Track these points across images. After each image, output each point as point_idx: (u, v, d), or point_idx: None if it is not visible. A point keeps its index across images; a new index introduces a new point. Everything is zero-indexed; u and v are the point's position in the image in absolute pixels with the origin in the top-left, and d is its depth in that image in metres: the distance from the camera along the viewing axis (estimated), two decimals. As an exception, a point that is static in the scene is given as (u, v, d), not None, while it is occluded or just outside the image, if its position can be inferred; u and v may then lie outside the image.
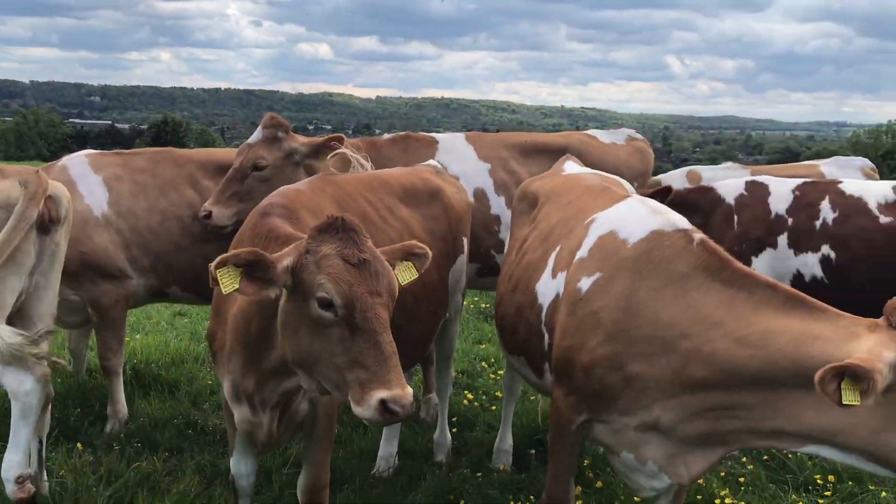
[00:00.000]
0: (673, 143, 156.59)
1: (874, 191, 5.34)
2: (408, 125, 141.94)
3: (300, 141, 5.00)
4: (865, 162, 7.39)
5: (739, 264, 3.08)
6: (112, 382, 5.20)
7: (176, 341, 6.93)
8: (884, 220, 5.13)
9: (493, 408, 5.58)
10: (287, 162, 4.91)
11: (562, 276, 3.47)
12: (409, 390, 2.70)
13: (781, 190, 5.53)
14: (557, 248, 3.63)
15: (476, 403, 5.71)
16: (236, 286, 2.78)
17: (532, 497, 4.34)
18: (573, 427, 3.30)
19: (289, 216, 3.48)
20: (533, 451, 4.91)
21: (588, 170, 4.58)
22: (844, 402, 2.45)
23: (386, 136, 5.88)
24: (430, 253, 3.20)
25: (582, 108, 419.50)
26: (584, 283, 3.27)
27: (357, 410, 2.67)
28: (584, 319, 3.21)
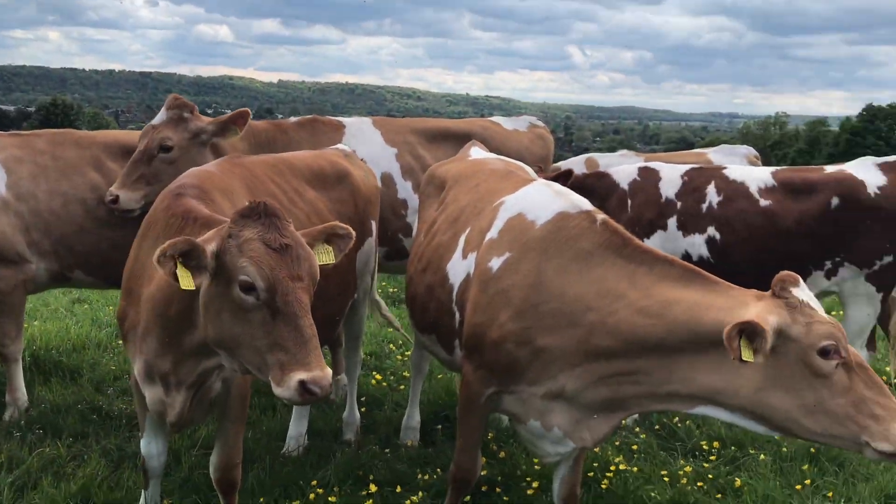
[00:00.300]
0: (574, 132, 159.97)
1: (755, 176, 5.72)
2: (311, 110, 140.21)
3: (205, 121, 4.99)
4: (750, 150, 7.85)
5: (639, 242, 3.31)
6: (10, 369, 5.08)
7: (77, 328, 6.79)
8: (763, 203, 5.51)
9: (402, 387, 5.72)
10: (194, 142, 4.89)
11: (472, 257, 3.62)
12: (329, 371, 2.80)
13: (671, 175, 5.85)
14: (467, 230, 3.78)
15: (384, 384, 5.83)
16: (191, 282, 2.82)
17: (439, 470, 4.49)
18: (482, 400, 3.47)
19: (202, 197, 3.50)
20: (439, 427, 5.07)
21: (493, 155, 4.76)
22: (743, 359, 2.70)
23: (293, 119, 5.90)
24: (353, 234, 3.28)
25: (487, 96, 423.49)
26: (495, 263, 3.43)
27: (277, 391, 2.76)
28: (494, 297, 3.37)
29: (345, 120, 5.88)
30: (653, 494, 4.22)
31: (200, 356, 3.22)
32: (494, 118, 6.44)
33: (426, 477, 4.37)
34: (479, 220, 3.74)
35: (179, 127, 4.86)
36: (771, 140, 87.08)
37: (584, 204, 3.51)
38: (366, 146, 5.62)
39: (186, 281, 2.84)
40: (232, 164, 4.10)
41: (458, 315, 3.69)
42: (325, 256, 3.19)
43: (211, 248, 2.86)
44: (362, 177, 4.71)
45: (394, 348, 6.73)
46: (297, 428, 4.81)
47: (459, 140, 5.93)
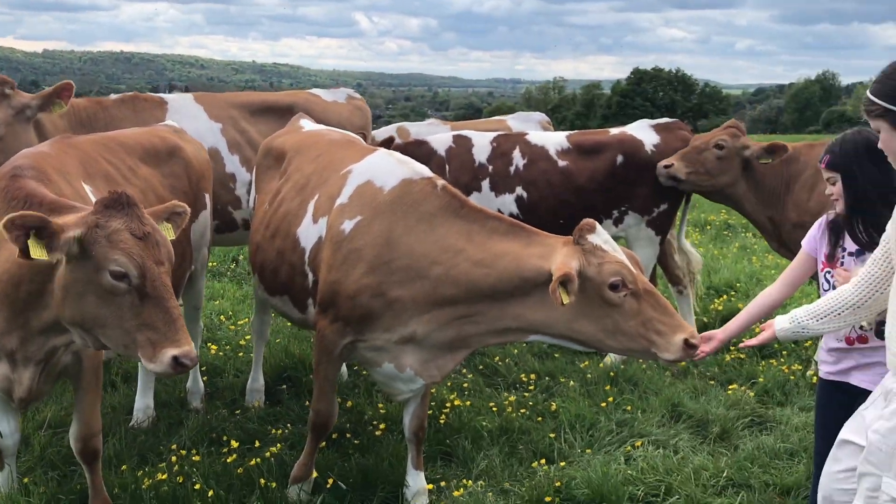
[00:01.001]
0: (367, 99, 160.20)
1: (553, 140, 6.45)
2: (83, 82, 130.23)
3: (26, 96, 4.89)
4: (543, 116, 8.63)
5: (473, 203, 3.75)
6: None
7: None
8: (561, 163, 6.24)
9: (241, 354, 5.92)
10: (19, 118, 4.77)
11: (323, 221, 3.91)
12: (193, 345, 3.06)
13: (482, 142, 6.46)
14: (315, 197, 4.06)
15: (221, 353, 5.99)
16: (44, 253, 2.91)
17: (289, 425, 4.80)
18: (338, 350, 3.81)
19: (41, 178, 3.52)
20: (284, 387, 5.37)
21: (325, 126, 5.05)
22: (564, 303, 3.23)
23: (113, 95, 5.83)
24: (188, 210, 3.49)
25: (274, 63, 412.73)
26: (347, 225, 3.76)
27: (150, 367, 2.97)
28: (348, 255, 3.70)
29: (166, 96, 5.89)
30: (484, 423, 4.78)
31: (50, 334, 3.31)
32: (314, 90, 6.67)
33: (278, 432, 4.66)
34: (326, 187, 4.04)
35: (3, 104, 4.73)
36: (551, 104, 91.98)
37: (425, 171, 3.92)
38: (190, 122, 5.67)
39: (38, 252, 2.94)
40: (65, 144, 4.10)
41: (311, 275, 3.99)
42: (167, 234, 3.39)
43: (74, 233, 2.96)
44: (194, 151, 4.83)
45: (224, 319, 6.86)
46: (143, 400, 4.91)
47: (281, 113, 6.15)
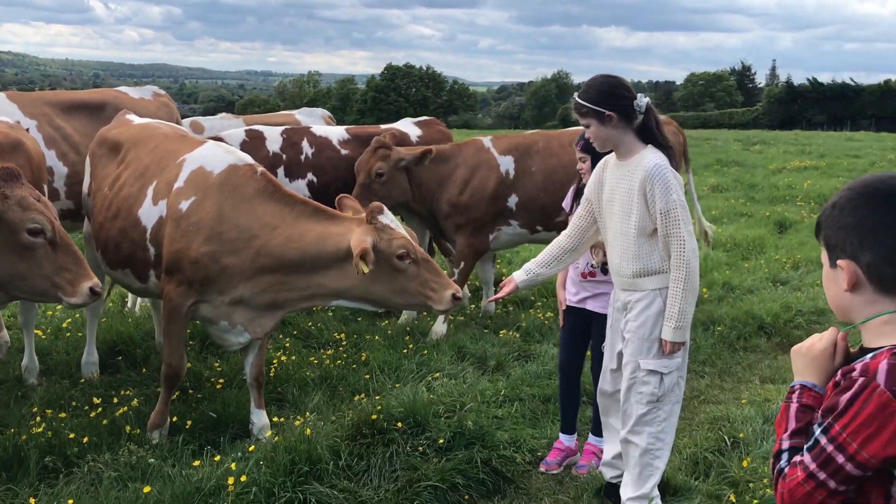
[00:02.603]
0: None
1: (334, 132, 7.55)
2: None
3: None
4: (325, 112, 9.58)
5: (285, 189, 4.58)
6: None
7: None
8: (343, 152, 7.30)
9: (68, 335, 6.31)
10: None
11: (163, 203, 4.58)
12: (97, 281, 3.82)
13: (273, 134, 7.37)
14: (154, 183, 4.70)
15: (44, 336, 6.33)
16: None
17: (130, 389, 5.38)
18: (184, 310, 4.50)
19: None
20: (120, 358, 5.90)
21: (156, 121, 5.65)
22: (364, 272, 4.06)
23: None
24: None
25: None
26: (184, 205, 4.47)
27: (72, 300, 3.63)
28: (188, 229, 4.40)
29: (-21, 95, 6.13)
30: (307, 373, 5.67)
31: None
32: (122, 88, 7.12)
33: (126, 392, 5.25)
34: (164, 174, 4.69)
35: None
36: (306, 98, 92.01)
37: (248, 159, 4.71)
38: (9, 118, 5.99)
39: None
40: None
41: (152, 250, 4.64)
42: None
43: None
44: (32, 145, 5.23)
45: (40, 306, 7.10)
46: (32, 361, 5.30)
47: (92, 109, 6.60)
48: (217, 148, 4.79)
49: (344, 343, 6.36)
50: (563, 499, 4.39)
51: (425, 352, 6.15)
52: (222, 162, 4.59)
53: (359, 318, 7.02)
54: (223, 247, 4.38)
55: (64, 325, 6.51)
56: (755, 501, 4.04)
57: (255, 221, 4.38)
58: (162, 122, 5.65)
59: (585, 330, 4.72)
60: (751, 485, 4.20)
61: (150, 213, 4.69)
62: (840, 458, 1.70)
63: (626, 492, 4.02)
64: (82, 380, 5.52)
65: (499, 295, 4.21)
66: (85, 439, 4.45)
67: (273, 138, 7.43)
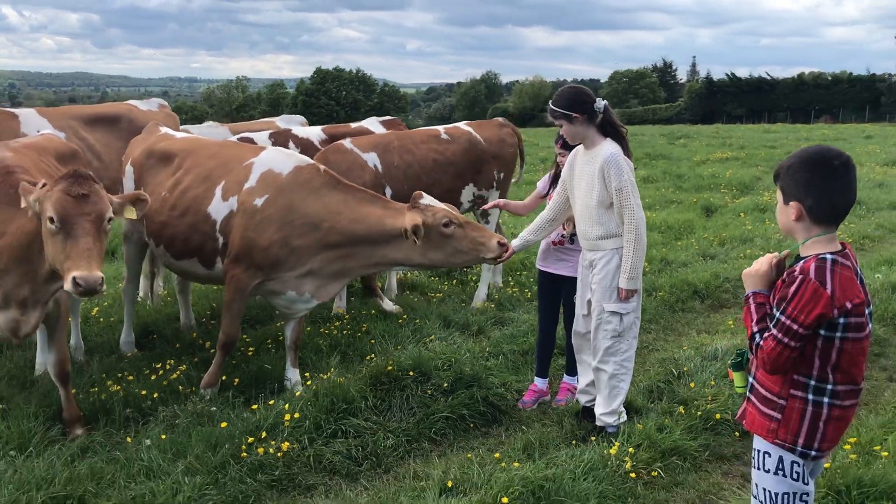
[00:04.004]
0: (23, 101, 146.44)
1: (313, 133, 8.46)
2: None
3: None
4: (302, 118, 10.50)
5: (345, 180, 5.51)
6: None
7: None
8: (322, 148, 8.27)
9: (101, 320, 7.13)
10: None
11: (233, 199, 5.44)
12: (97, 274, 4.22)
13: (262, 139, 8.23)
14: (222, 183, 5.54)
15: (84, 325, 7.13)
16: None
17: (170, 360, 6.25)
18: (249, 289, 5.41)
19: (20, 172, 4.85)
20: (154, 336, 6.77)
21: (198, 133, 6.55)
22: (417, 243, 5.13)
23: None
24: (149, 200, 4.90)
25: None
26: (258, 201, 5.36)
27: (65, 287, 4.20)
28: (261, 221, 5.28)
29: (16, 111, 6.91)
30: (320, 342, 6.62)
31: (50, 281, 4.64)
32: (131, 102, 7.94)
33: (171, 361, 6.12)
34: (231, 175, 5.55)
35: None
36: (236, 103, 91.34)
37: (308, 160, 5.63)
38: (42, 130, 6.80)
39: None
40: (22, 149, 5.30)
41: (221, 239, 5.52)
42: (129, 213, 4.79)
43: (34, 196, 4.34)
44: (83, 154, 6.09)
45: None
46: (43, 356, 6.08)
47: (110, 122, 7.46)
48: (280, 153, 5.70)
49: (346, 317, 7.33)
50: (549, 423, 5.48)
51: (417, 321, 7.18)
52: (288, 164, 5.52)
53: (352, 298, 8.00)
54: (293, 232, 5.30)
55: (93, 312, 7.31)
56: (699, 413, 5.20)
57: (322, 209, 5.32)
58: (204, 136, 6.53)
59: (556, 290, 5.83)
60: (695, 402, 5.36)
61: (219, 208, 5.55)
62: (795, 326, 2.80)
63: (599, 409, 5.14)
64: (128, 354, 6.37)
65: (503, 258, 5.31)
66: (155, 395, 5.35)
67: (262, 140, 8.33)
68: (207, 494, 4.30)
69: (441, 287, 8.63)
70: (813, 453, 2.91)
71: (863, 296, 2.83)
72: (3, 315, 4.73)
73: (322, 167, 5.55)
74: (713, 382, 5.66)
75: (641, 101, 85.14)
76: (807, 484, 2.95)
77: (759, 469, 3.01)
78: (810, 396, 2.87)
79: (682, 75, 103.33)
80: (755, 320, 2.95)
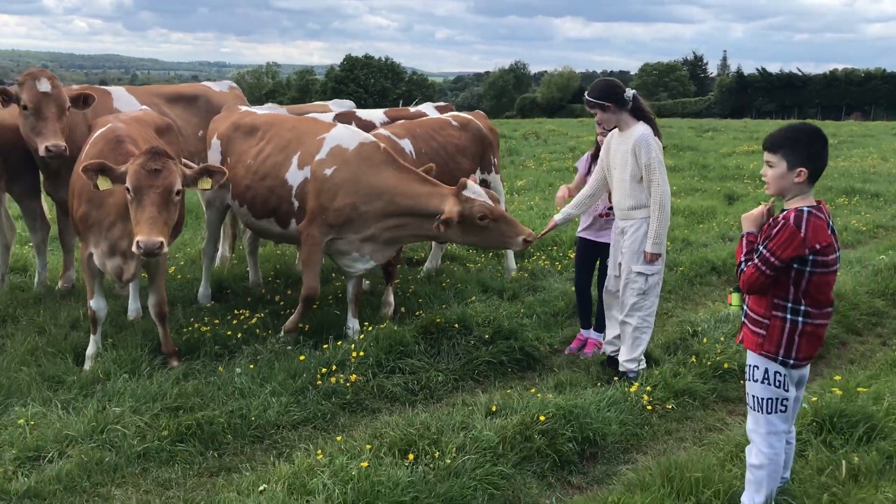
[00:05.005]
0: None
1: (376, 115, 9.18)
2: None
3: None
4: (351, 102, 11.28)
5: (399, 160, 6.32)
6: None
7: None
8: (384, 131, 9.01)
9: (178, 277, 8.02)
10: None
11: (307, 168, 6.25)
12: (157, 238, 4.98)
13: (328, 119, 8.99)
14: (298, 153, 6.35)
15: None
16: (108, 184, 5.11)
17: (244, 310, 7.10)
18: (323, 244, 6.21)
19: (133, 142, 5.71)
20: (228, 291, 7.64)
21: (276, 110, 7.41)
22: (444, 231, 6.01)
23: (74, 86, 7.54)
24: (225, 172, 5.74)
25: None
26: (328, 171, 6.16)
27: (132, 247, 5.05)
28: (331, 188, 6.09)
29: (108, 88, 7.77)
30: (373, 300, 7.45)
31: None
32: (206, 83, 8.80)
33: (245, 311, 6.98)
34: (305, 147, 6.35)
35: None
36: (265, 89, 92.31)
37: (371, 137, 6.43)
38: (130, 107, 7.64)
39: (104, 184, 5.17)
40: (130, 122, 6.18)
41: (296, 203, 6.34)
42: (205, 184, 5.59)
43: (119, 170, 5.16)
44: (175, 128, 6.95)
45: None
46: (134, 304, 6.97)
47: (188, 100, 8.30)
48: (348, 130, 6.51)
49: (397, 280, 8.16)
50: (577, 370, 6.27)
51: (458, 286, 7.98)
52: (354, 140, 6.32)
53: (399, 266, 8.82)
54: (359, 199, 6.10)
55: (170, 270, 8.20)
56: (709, 363, 5.97)
57: (381, 182, 6.10)
58: (282, 111, 7.39)
59: (593, 256, 6.62)
60: (706, 354, 6.13)
61: (295, 175, 6.36)
62: (772, 259, 3.58)
63: (622, 357, 5.94)
64: (206, 305, 7.24)
65: (543, 231, 6.17)
66: (239, 335, 6.22)
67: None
68: (292, 411, 5.16)
69: (479, 258, 9.42)
70: (791, 362, 3.69)
71: (830, 240, 3.59)
72: (110, 262, 5.59)
73: (382, 145, 6.33)
74: (723, 339, 6.42)
75: (671, 95, 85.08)
76: (787, 391, 3.73)
77: (750, 380, 3.80)
78: (788, 316, 3.66)
79: (712, 69, 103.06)
80: (744, 253, 3.72)
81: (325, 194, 6.18)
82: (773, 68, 76.01)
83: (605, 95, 5.72)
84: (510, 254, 8.78)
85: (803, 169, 3.64)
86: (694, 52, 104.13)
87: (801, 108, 67.56)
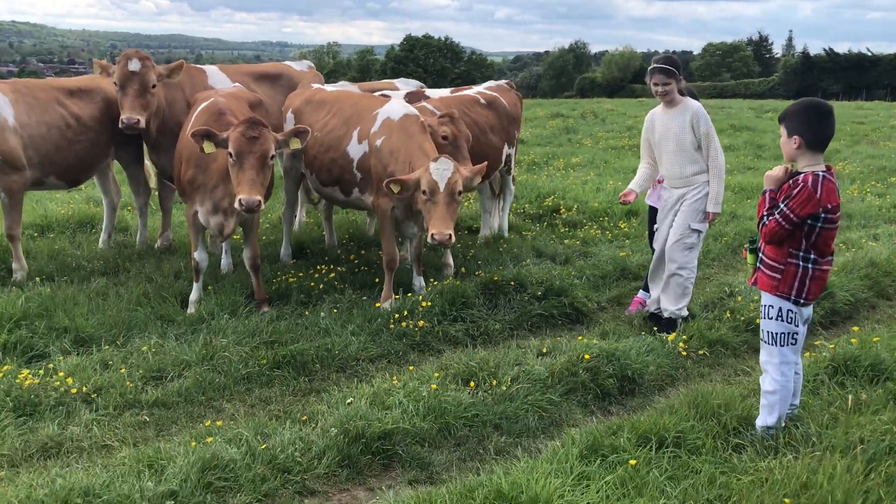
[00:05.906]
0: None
1: (439, 95, 9.86)
2: None
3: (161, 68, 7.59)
4: (417, 82, 12.02)
5: (429, 132, 7.00)
6: (16, 246, 7.26)
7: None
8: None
9: (264, 238, 8.90)
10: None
11: (365, 143, 7.03)
12: (256, 197, 5.79)
13: (398, 97, 9.73)
14: (358, 128, 7.13)
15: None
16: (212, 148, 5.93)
17: (324, 267, 7.93)
18: (391, 212, 6.98)
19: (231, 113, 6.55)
20: (307, 251, 8.50)
21: (344, 87, 8.19)
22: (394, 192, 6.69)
23: (164, 66, 8.42)
24: (310, 130, 6.57)
25: (13, 21, 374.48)
26: (379, 142, 6.95)
27: (235, 205, 5.86)
28: (382, 156, 6.82)
29: (204, 67, 8.65)
30: (436, 260, 8.21)
31: None
32: (287, 62, 9.65)
33: (323, 268, 7.81)
34: (364, 122, 7.12)
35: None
36: (326, 69, 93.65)
37: (415, 111, 7.19)
38: (223, 84, 8.51)
39: (208, 148, 5.98)
40: (228, 96, 7.02)
41: (358, 175, 7.10)
42: (294, 144, 6.42)
43: (223, 136, 5.98)
44: (266, 104, 7.80)
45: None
46: (226, 259, 7.86)
47: (273, 79, 9.13)
48: (398, 104, 7.25)
49: (459, 245, 8.91)
50: (621, 323, 6.95)
51: (515, 250, 8.70)
52: (399, 113, 7.05)
53: (461, 232, 9.57)
54: (397, 165, 6.81)
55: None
56: (742, 318, 6.59)
57: (416, 149, 6.78)
58: (348, 87, 8.17)
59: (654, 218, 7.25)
60: (741, 310, 6.74)
61: (355, 149, 7.12)
62: (792, 216, 4.22)
63: (667, 306, 6.60)
64: (288, 263, 8.11)
65: (628, 199, 6.69)
66: (321, 286, 7.06)
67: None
68: (369, 347, 5.97)
69: (533, 228, 10.10)
70: (802, 301, 4.34)
71: (838, 201, 4.21)
72: (213, 218, 6.46)
73: (421, 119, 6.92)
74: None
75: (734, 75, 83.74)
76: (797, 326, 4.38)
77: (764, 318, 4.45)
78: (800, 263, 4.30)
79: (777, 50, 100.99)
80: (767, 208, 4.35)
81: (379, 164, 6.86)
82: (842, 48, 74.34)
83: (674, 63, 6.41)
84: (485, 222, 9.42)
85: (797, 137, 4.25)
86: (759, 32, 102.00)
87: (870, 90, 65.91)
